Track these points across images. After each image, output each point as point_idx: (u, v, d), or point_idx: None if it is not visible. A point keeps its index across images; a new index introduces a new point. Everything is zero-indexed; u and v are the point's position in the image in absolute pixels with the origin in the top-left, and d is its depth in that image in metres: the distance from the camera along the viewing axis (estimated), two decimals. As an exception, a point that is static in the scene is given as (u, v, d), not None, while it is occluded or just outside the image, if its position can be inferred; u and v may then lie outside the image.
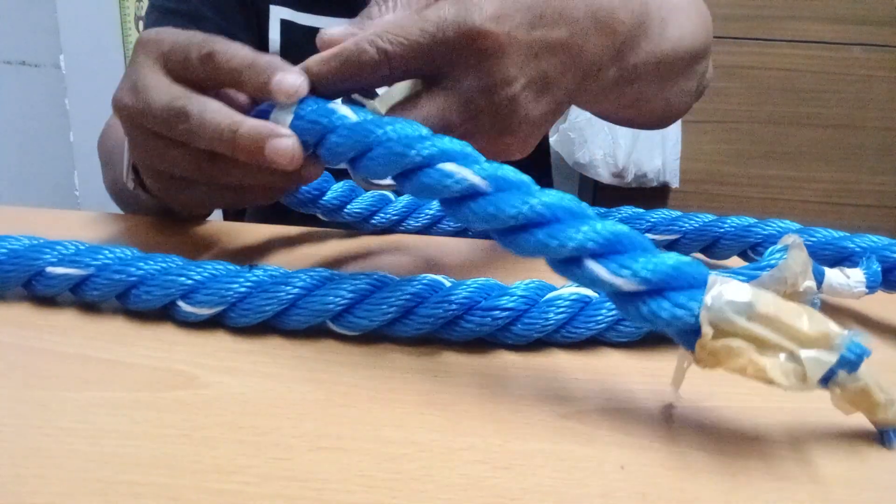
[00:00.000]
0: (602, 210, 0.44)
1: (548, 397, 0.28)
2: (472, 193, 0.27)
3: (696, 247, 0.41)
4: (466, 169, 0.27)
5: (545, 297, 0.31)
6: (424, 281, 0.31)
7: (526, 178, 0.27)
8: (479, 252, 0.43)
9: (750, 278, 0.30)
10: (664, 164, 1.44)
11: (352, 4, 0.59)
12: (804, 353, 0.23)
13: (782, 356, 0.24)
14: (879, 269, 0.33)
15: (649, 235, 0.42)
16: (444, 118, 0.32)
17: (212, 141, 0.31)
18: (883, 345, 0.34)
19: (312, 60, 0.32)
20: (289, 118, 0.31)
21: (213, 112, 0.32)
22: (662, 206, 0.91)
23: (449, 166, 0.27)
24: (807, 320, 0.24)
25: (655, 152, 1.43)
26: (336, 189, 0.44)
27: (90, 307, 0.33)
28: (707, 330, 0.24)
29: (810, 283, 0.31)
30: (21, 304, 0.33)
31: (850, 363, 0.24)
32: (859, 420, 0.26)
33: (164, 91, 0.33)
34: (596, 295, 0.31)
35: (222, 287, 0.30)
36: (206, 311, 0.31)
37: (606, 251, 0.25)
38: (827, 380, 0.24)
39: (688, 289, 0.24)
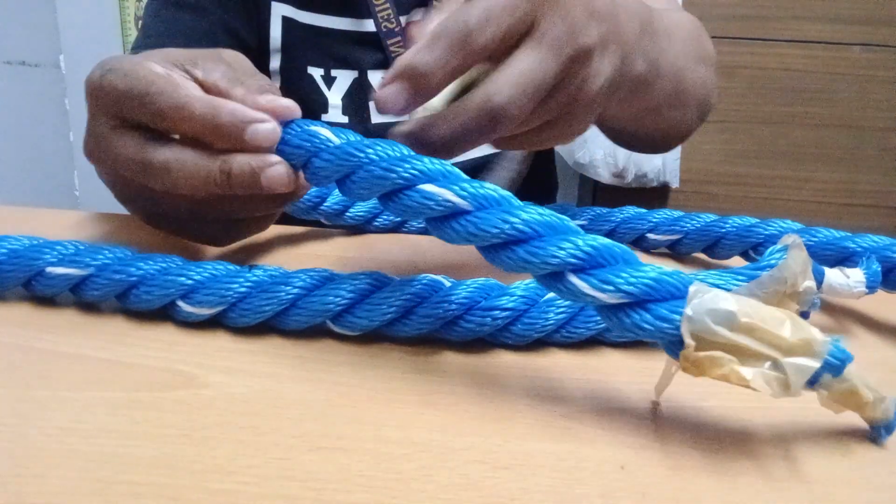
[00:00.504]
0: (604, 210, 0.44)
1: (548, 397, 0.28)
2: (454, 213, 0.27)
3: (698, 247, 0.41)
4: (446, 190, 0.27)
5: (545, 297, 0.31)
6: (424, 281, 0.31)
7: (507, 194, 0.27)
8: (479, 252, 0.43)
9: (750, 278, 0.30)
10: (664, 164, 1.44)
11: (352, 4, 0.59)
12: (787, 361, 0.24)
13: (765, 365, 0.24)
14: (879, 269, 0.33)
15: (651, 236, 0.42)
16: (543, 66, 0.31)
17: (205, 187, 0.31)
18: (883, 345, 0.34)
19: (415, 50, 0.30)
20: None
21: (196, 159, 0.31)
22: (662, 206, 0.91)
23: (429, 187, 0.27)
24: (789, 328, 0.24)
25: (655, 152, 1.42)
26: (337, 194, 0.44)
27: (90, 307, 0.33)
28: (689, 341, 0.24)
29: (810, 283, 0.31)
30: (21, 304, 0.33)
31: (834, 368, 0.24)
32: (855, 419, 0.26)
33: (130, 146, 0.31)
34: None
35: (222, 287, 0.30)
36: (205, 311, 0.31)
37: (588, 266, 0.25)
38: (812, 383, 0.24)
39: (670, 300, 0.25)
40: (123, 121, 0.32)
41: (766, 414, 0.27)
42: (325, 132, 0.31)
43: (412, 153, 0.29)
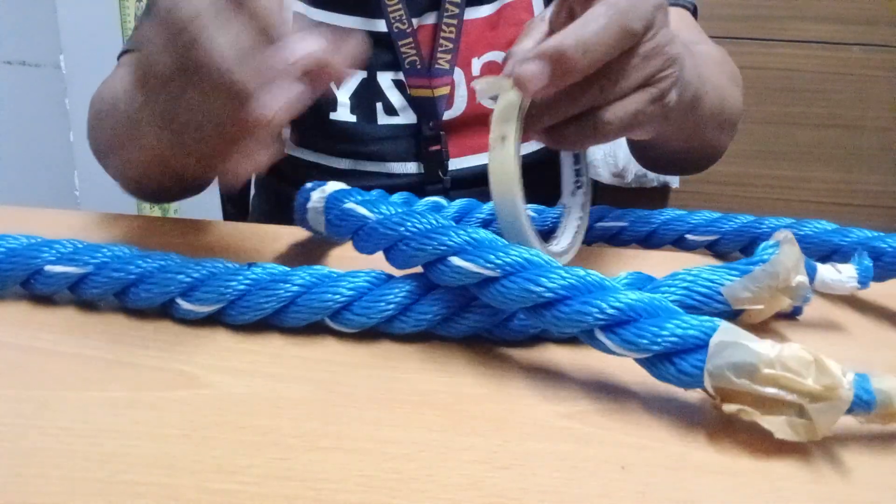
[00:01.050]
0: (645, 212, 0.44)
1: (548, 397, 0.28)
2: (484, 280, 0.29)
3: (735, 246, 0.42)
4: (471, 263, 0.29)
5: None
6: (422, 278, 0.31)
7: (535, 256, 0.28)
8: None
9: (743, 273, 0.30)
10: (664, 164, 1.44)
11: (364, 3, 0.58)
12: (812, 408, 0.24)
13: (790, 412, 0.24)
14: (871, 264, 0.34)
15: (690, 237, 0.43)
16: (623, 20, 0.31)
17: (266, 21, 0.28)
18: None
19: (564, 34, 0.30)
20: (322, 218, 0.35)
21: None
22: (662, 206, 0.91)
23: (457, 260, 0.29)
24: (814, 373, 0.24)
25: (655, 152, 1.42)
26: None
27: (89, 306, 0.33)
28: (713, 394, 0.25)
29: (802, 278, 0.31)
30: (19, 302, 0.33)
31: (864, 404, 0.24)
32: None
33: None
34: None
35: (221, 284, 0.30)
36: (205, 309, 0.31)
37: (614, 323, 0.26)
38: (850, 411, 0.24)
39: (695, 351, 0.25)
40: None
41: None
42: (359, 209, 0.33)
43: (442, 224, 0.30)
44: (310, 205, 0.36)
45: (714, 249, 0.43)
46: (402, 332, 0.31)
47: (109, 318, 0.32)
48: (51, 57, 1.59)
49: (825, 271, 0.33)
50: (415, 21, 0.58)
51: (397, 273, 0.32)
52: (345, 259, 0.41)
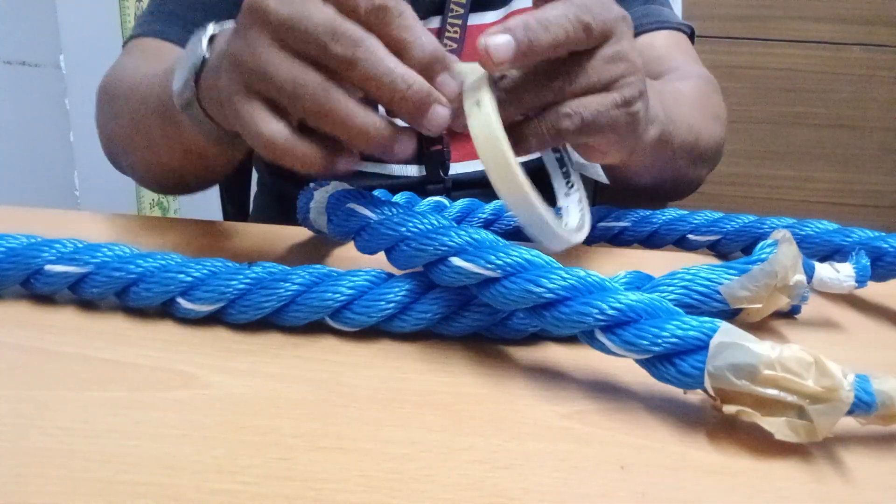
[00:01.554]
0: (647, 212, 0.44)
1: (548, 397, 0.28)
2: (485, 281, 0.29)
3: (736, 246, 0.42)
4: (472, 263, 0.29)
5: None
6: (422, 276, 0.31)
7: (536, 257, 0.28)
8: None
9: (741, 272, 0.30)
10: (664, 164, 1.44)
11: None
12: (813, 409, 0.24)
13: (791, 414, 0.24)
14: (869, 263, 0.34)
15: (692, 237, 0.43)
16: (580, 13, 0.32)
17: (379, 80, 0.30)
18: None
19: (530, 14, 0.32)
20: (324, 218, 0.35)
21: (386, 54, 0.30)
22: (662, 206, 0.91)
23: (457, 261, 0.29)
24: (814, 374, 0.24)
25: (655, 152, 1.42)
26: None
27: (89, 305, 0.33)
28: (713, 395, 0.25)
29: (800, 276, 0.31)
30: (19, 302, 0.33)
31: (864, 406, 0.24)
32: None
33: (321, 10, 0.30)
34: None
35: (221, 284, 0.30)
36: (205, 308, 0.31)
37: (614, 324, 0.26)
38: (851, 412, 0.24)
39: (695, 351, 0.25)
40: (287, 46, 0.30)
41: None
42: (362, 210, 0.33)
43: (443, 224, 0.30)
44: (312, 204, 0.36)
45: (716, 249, 0.43)
46: (402, 330, 0.31)
47: (109, 318, 0.32)
48: (51, 57, 1.58)
49: (823, 270, 0.33)
50: None
51: (397, 272, 0.32)
52: (346, 259, 0.41)
